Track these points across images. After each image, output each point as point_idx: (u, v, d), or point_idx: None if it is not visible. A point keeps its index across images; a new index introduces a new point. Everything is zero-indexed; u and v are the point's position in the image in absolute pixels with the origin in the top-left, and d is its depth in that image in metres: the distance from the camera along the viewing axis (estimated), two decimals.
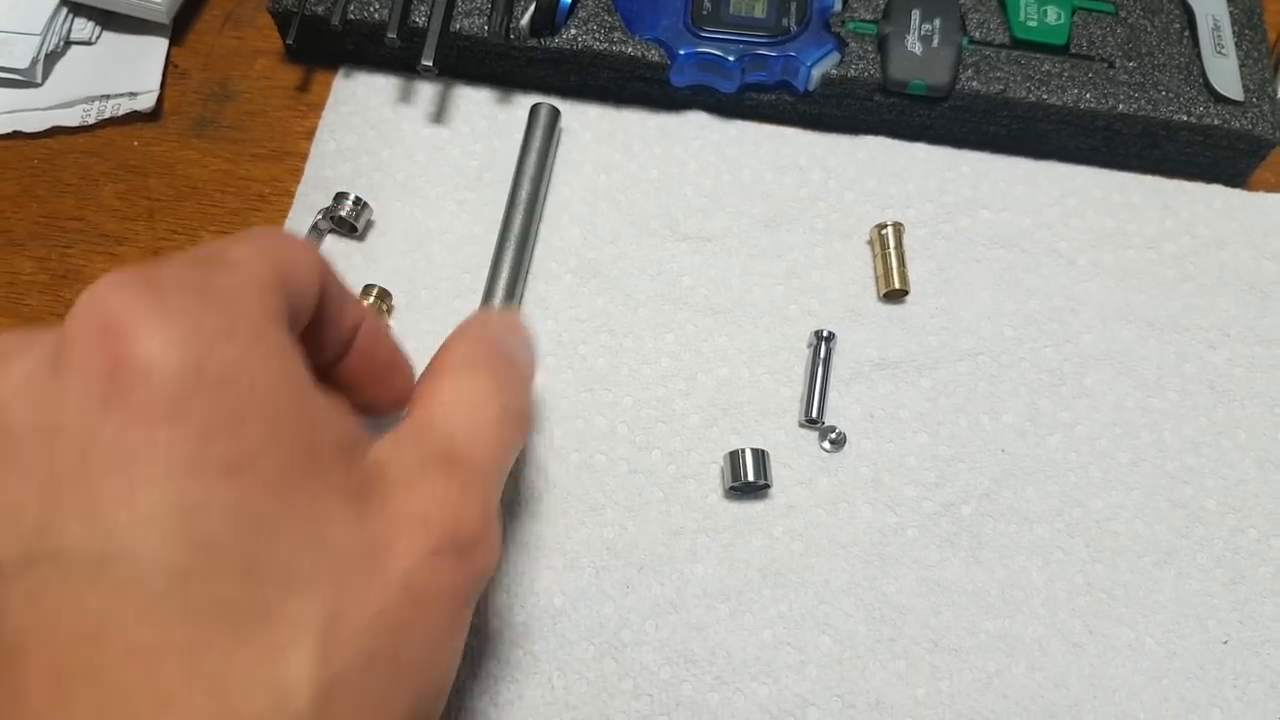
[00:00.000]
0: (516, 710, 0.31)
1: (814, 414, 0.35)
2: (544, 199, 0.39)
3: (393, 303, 0.37)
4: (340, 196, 0.37)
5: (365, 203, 0.37)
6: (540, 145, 0.38)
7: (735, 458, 0.34)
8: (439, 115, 0.41)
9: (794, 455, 0.35)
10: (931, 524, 0.34)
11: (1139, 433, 0.36)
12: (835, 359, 0.36)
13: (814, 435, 0.35)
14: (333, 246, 0.38)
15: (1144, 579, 0.34)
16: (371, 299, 0.36)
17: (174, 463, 0.16)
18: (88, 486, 0.16)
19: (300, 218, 0.38)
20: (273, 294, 0.19)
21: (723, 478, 0.35)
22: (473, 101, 0.41)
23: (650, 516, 0.34)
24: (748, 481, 0.33)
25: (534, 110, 0.39)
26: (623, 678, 0.32)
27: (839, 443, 0.35)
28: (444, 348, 0.24)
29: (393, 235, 0.38)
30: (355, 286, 0.37)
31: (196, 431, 0.17)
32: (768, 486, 0.34)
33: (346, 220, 0.37)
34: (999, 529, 0.34)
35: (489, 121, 0.41)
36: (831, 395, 0.36)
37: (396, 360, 0.27)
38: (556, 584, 0.33)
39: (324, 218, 0.37)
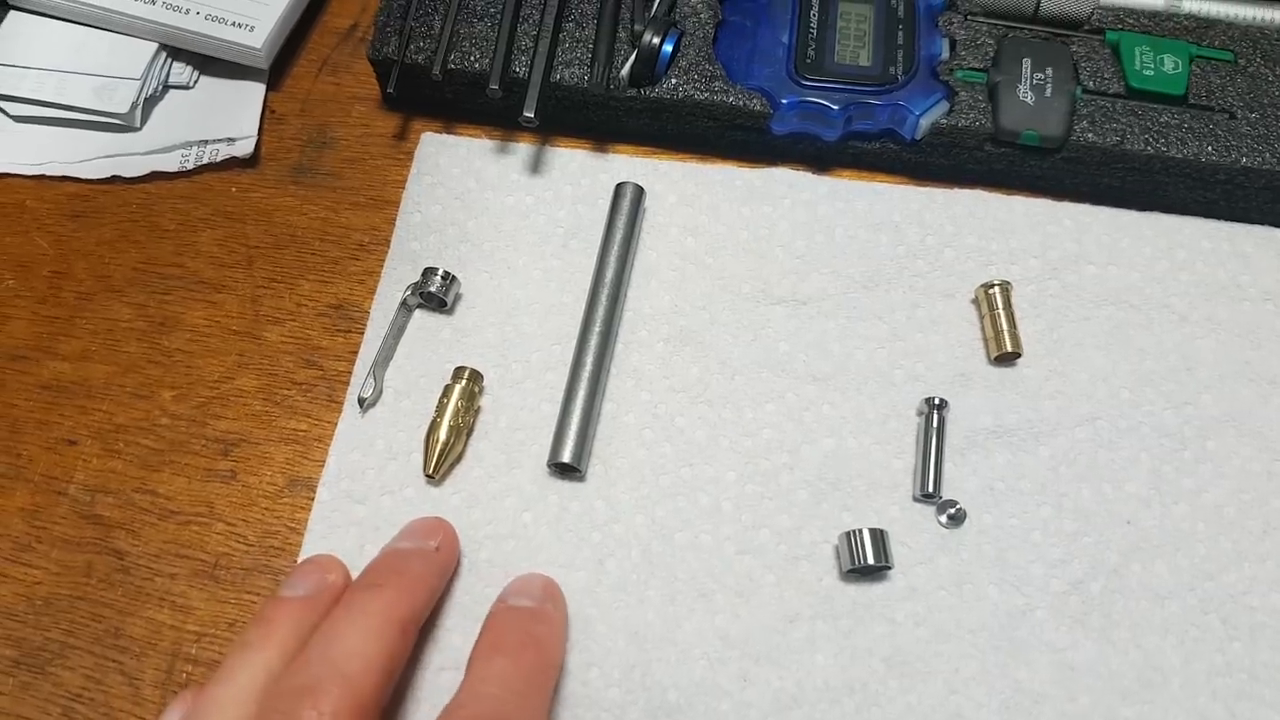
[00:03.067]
0: None
1: (930, 488, 0.34)
2: (630, 273, 0.38)
3: (483, 384, 0.35)
4: (429, 272, 0.36)
5: (454, 277, 0.36)
6: (626, 222, 0.37)
7: (852, 539, 0.32)
8: (522, 182, 0.40)
9: (911, 532, 0.34)
10: (1061, 604, 0.33)
11: (1268, 499, 0.35)
12: (948, 427, 0.35)
13: (930, 510, 0.34)
14: (422, 322, 0.37)
15: None
16: (464, 381, 0.34)
17: None
18: None
19: (388, 293, 0.37)
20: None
21: (838, 558, 0.33)
22: (554, 166, 0.40)
23: (763, 601, 0.33)
24: (867, 564, 0.32)
25: (619, 188, 0.38)
26: None
27: (958, 518, 0.34)
28: None
29: (482, 308, 0.37)
30: (446, 364, 0.36)
31: None
32: (888, 568, 0.33)
33: (436, 295, 0.36)
34: (1130, 607, 0.33)
35: (572, 187, 0.39)
36: (946, 466, 0.34)
37: None
38: (669, 677, 0.32)
39: (413, 293, 0.36)
